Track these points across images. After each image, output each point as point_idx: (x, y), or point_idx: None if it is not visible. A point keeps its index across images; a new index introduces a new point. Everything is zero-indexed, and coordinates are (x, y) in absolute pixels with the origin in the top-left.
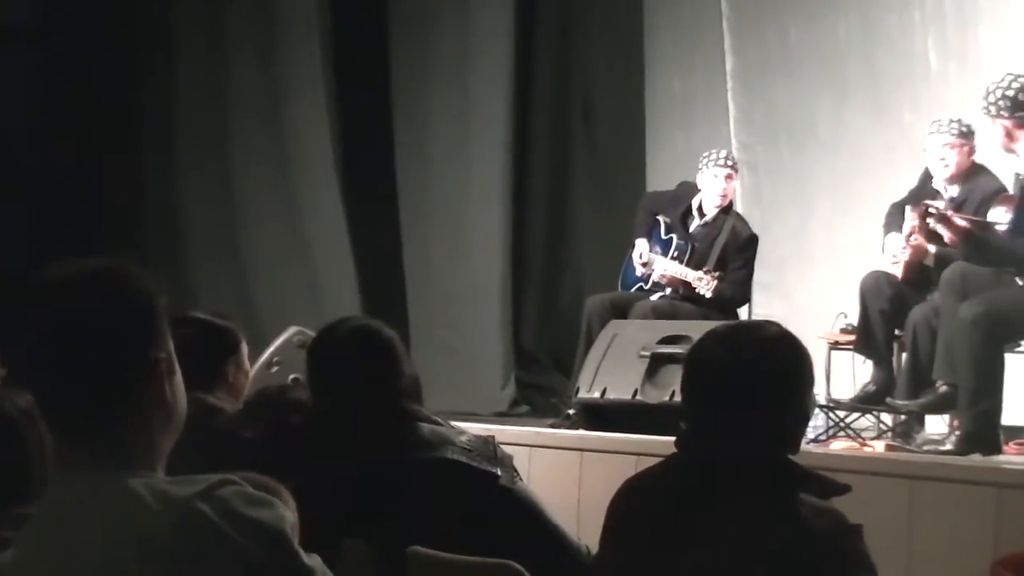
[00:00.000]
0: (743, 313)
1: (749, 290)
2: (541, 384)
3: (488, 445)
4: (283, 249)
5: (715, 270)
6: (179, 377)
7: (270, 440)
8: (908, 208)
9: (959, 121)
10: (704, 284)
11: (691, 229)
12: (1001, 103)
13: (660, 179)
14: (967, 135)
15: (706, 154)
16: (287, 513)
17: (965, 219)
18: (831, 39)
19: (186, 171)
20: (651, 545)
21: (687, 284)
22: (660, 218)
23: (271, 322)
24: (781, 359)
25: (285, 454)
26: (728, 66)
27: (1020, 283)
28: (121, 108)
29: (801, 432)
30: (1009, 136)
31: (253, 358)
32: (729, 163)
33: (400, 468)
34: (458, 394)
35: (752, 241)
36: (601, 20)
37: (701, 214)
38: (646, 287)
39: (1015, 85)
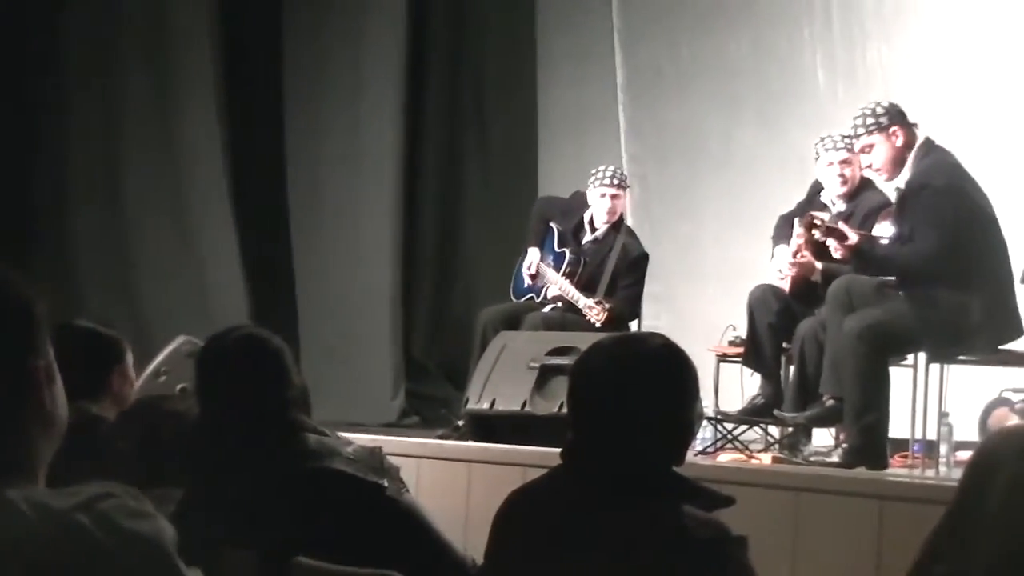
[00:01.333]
0: (632, 324)
1: (639, 307)
2: (431, 395)
3: (375, 456)
4: (172, 257)
5: (607, 293)
6: (59, 386)
7: (145, 450)
8: (796, 221)
9: (851, 136)
10: (595, 314)
11: (583, 243)
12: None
13: (552, 191)
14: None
15: (594, 171)
16: (168, 526)
17: (850, 230)
18: (722, 55)
19: (73, 177)
20: (535, 557)
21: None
22: (553, 225)
23: (159, 331)
24: (665, 371)
25: (162, 464)
26: (619, 80)
27: (902, 296)
28: (10, 109)
29: (686, 444)
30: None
31: (141, 367)
32: (615, 182)
33: (285, 479)
34: (348, 404)
35: (643, 259)
36: (494, 31)
37: (593, 228)
38: (538, 300)
39: (856, 120)
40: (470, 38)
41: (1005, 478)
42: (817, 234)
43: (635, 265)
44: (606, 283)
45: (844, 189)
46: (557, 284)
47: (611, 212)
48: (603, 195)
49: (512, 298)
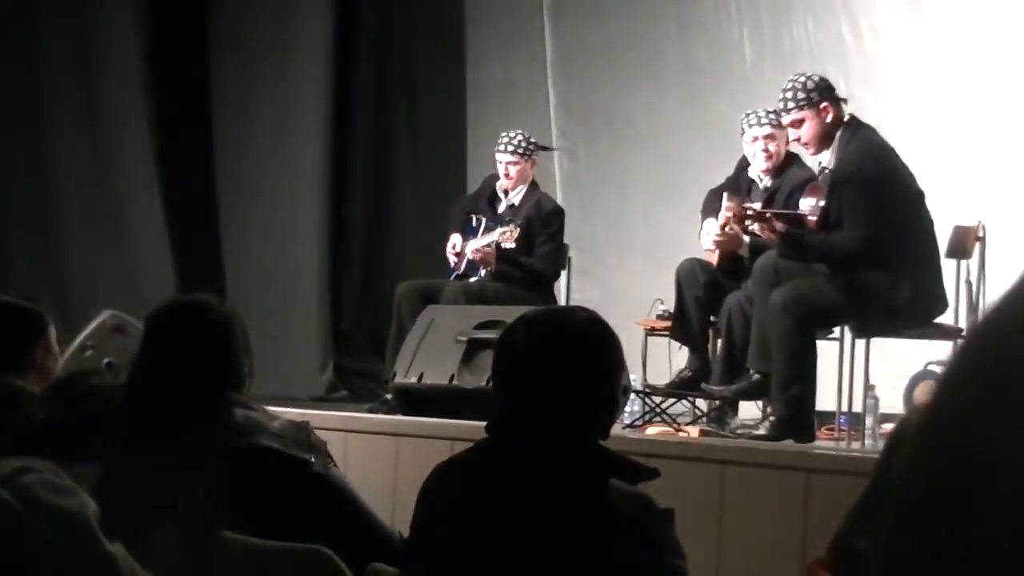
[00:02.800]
0: (560, 299)
1: (560, 263)
2: (360, 369)
3: (302, 431)
4: (98, 232)
5: (526, 246)
6: None
7: (70, 425)
8: (725, 195)
9: (776, 112)
10: (507, 236)
11: (499, 211)
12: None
13: (481, 166)
14: (782, 125)
15: (497, 140)
16: (89, 501)
17: (781, 215)
18: (649, 30)
19: None
20: (460, 530)
21: (498, 251)
22: (473, 216)
23: (85, 306)
24: (590, 345)
25: (87, 439)
26: (548, 55)
27: (829, 274)
28: None
29: (611, 418)
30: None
31: (67, 343)
32: (509, 148)
33: (211, 454)
34: (276, 378)
35: (556, 214)
36: (423, 7)
37: (507, 194)
38: (459, 272)
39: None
40: (399, 15)
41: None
42: (749, 223)
43: (549, 220)
44: (518, 227)
45: (768, 164)
46: (473, 246)
47: (508, 177)
48: (500, 162)
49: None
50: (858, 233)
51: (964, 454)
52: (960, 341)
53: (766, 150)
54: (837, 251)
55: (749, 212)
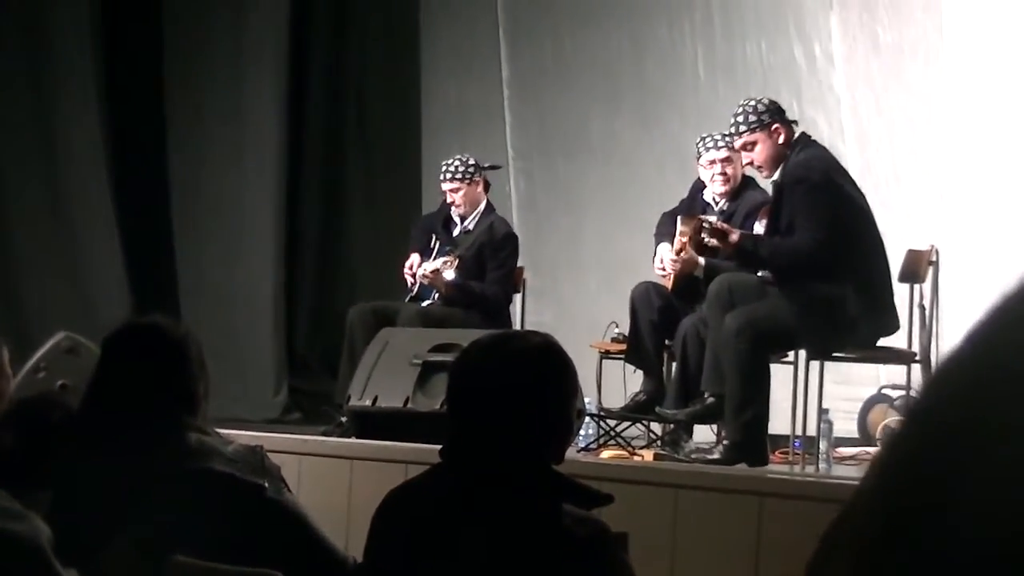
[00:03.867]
0: (515, 321)
1: (511, 288)
2: (314, 391)
3: (255, 455)
4: (50, 252)
5: (478, 270)
6: None
7: (24, 449)
8: (679, 219)
9: (732, 133)
10: (447, 266)
11: (454, 234)
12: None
13: (435, 187)
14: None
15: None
16: (42, 526)
17: (737, 232)
18: (604, 50)
19: None
20: (413, 555)
21: (443, 280)
22: (434, 236)
23: (38, 329)
24: (544, 369)
25: (42, 463)
26: (504, 75)
27: (781, 293)
28: None
29: (565, 442)
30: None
31: (20, 363)
32: (447, 176)
33: (165, 478)
34: (230, 400)
35: (508, 239)
36: (377, 26)
37: (463, 219)
38: (412, 294)
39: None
40: (353, 34)
41: None
42: (705, 236)
43: (501, 245)
44: (469, 257)
45: (725, 188)
46: (424, 269)
47: (455, 204)
48: (443, 189)
49: None
50: (808, 236)
51: (932, 484)
52: (926, 376)
53: (723, 173)
54: (792, 254)
55: (705, 224)
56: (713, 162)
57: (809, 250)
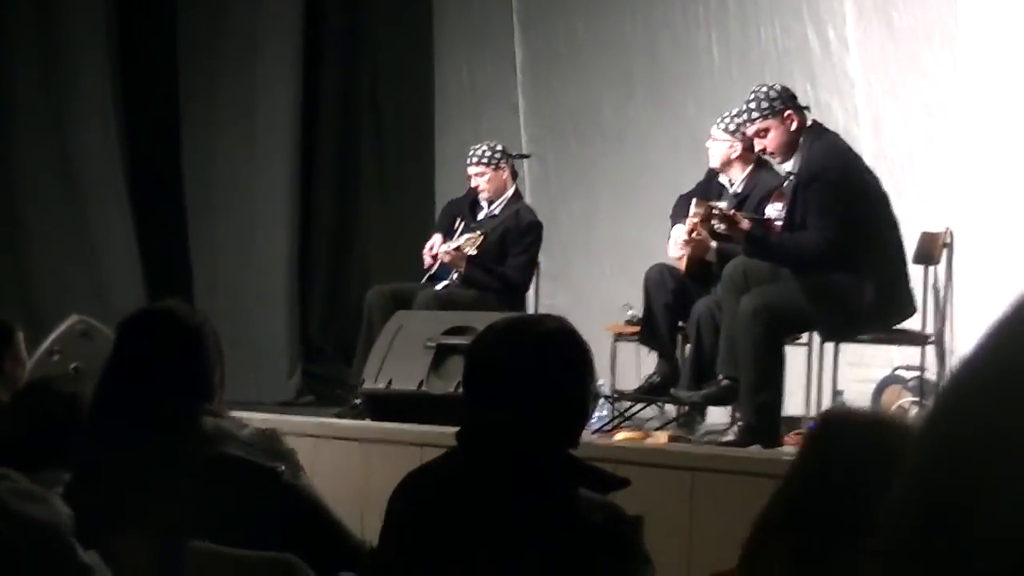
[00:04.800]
0: (529, 304)
1: (530, 276)
2: (327, 374)
3: (270, 440)
4: (65, 237)
5: (500, 255)
6: None
7: (37, 432)
8: (693, 201)
9: (746, 120)
10: (471, 242)
11: (479, 218)
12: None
13: (449, 171)
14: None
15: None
16: (64, 509)
17: (747, 217)
18: (617, 33)
19: None
20: (430, 539)
21: (466, 258)
22: (458, 219)
23: (52, 313)
24: (560, 354)
25: (54, 446)
26: (517, 59)
27: (794, 278)
28: None
29: (580, 427)
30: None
31: (33, 349)
32: (474, 160)
33: (181, 463)
34: (244, 383)
35: (533, 227)
36: (390, 12)
37: (490, 203)
38: (432, 275)
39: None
40: (366, 18)
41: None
42: (715, 222)
43: (526, 232)
44: (495, 242)
45: (778, 159)
46: (445, 248)
47: (479, 189)
48: (471, 174)
49: None
50: (822, 234)
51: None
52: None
53: (763, 149)
54: (801, 250)
55: (715, 212)
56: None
57: (818, 249)
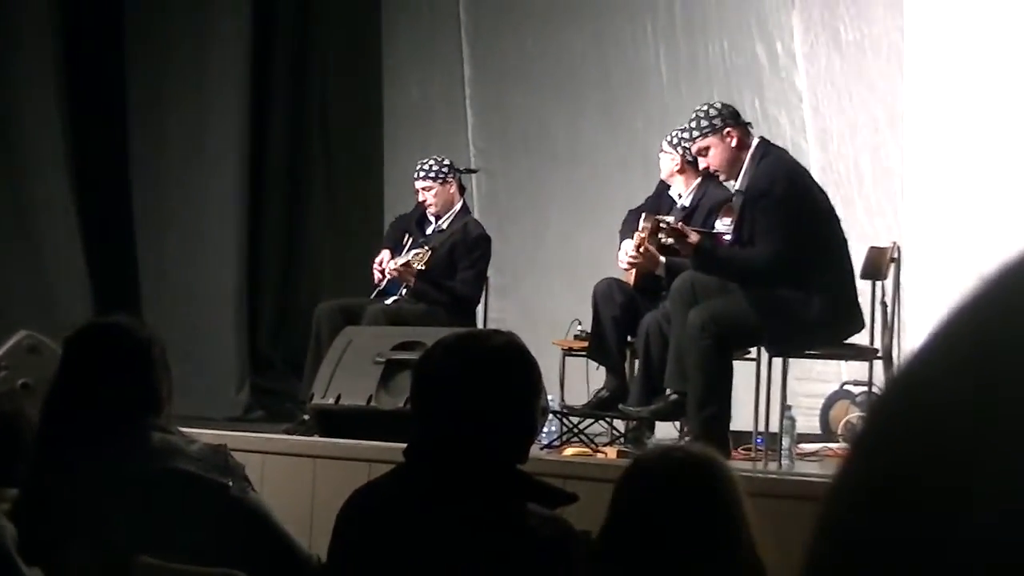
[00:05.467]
0: (478, 319)
1: (479, 289)
2: (277, 389)
3: (219, 455)
4: (11, 249)
5: (449, 269)
6: None
7: None
8: (643, 216)
9: (688, 139)
10: (419, 258)
11: (428, 233)
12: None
13: (398, 186)
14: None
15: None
16: (7, 524)
17: (696, 231)
18: (566, 50)
19: None
20: (379, 554)
21: (415, 273)
22: (407, 234)
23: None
24: (508, 369)
25: (4, 463)
26: (466, 74)
27: (743, 291)
28: None
29: (529, 442)
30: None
31: None
32: (420, 174)
33: (129, 478)
34: (193, 398)
35: (481, 241)
36: (339, 29)
37: (438, 218)
38: (380, 289)
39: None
40: (315, 33)
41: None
42: (662, 236)
43: (474, 246)
44: (443, 255)
45: (723, 176)
46: (392, 264)
47: (426, 204)
48: (416, 188)
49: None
50: (770, 249)
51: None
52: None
53: (707, 167)
54: (749, 266)
55: (663, 225)
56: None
57: (766, 264)
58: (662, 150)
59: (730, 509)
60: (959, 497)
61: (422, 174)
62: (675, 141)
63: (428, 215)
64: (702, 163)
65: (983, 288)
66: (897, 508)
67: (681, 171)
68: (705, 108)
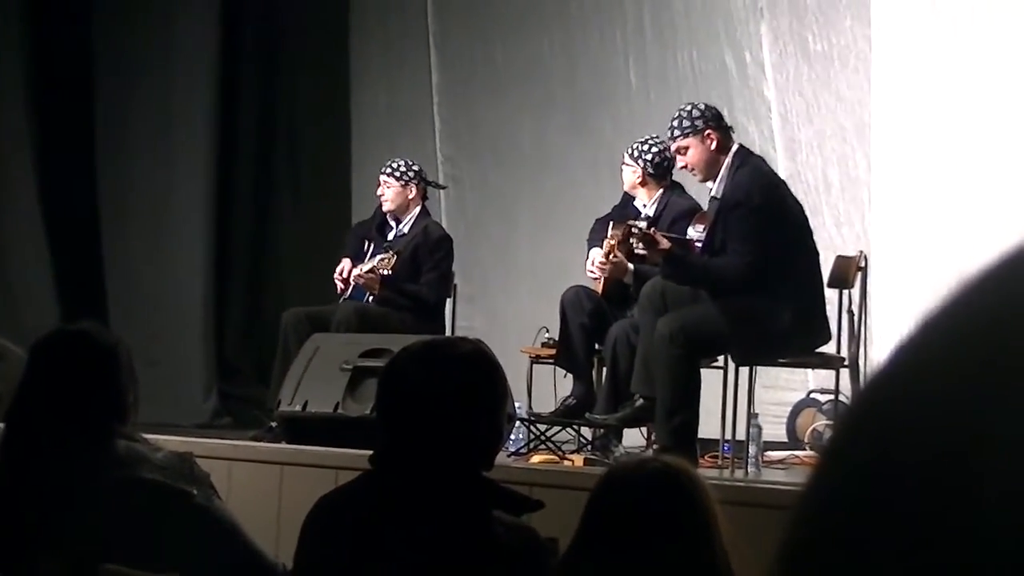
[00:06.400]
0: (446, 327)
1: (444, 291)
2: (244, 396)
3: (184, 463)
4: None
5: (413, 272)
6: None
7: None
8: (611, 224)
9: (668, 138)
10: (384, 263)
11: (389, 238)
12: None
13: (366, 193)
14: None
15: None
16: None
17: (667, 238)
18: (535, 57)
19: None
20: (344, 562)
21: (381, 278)
22: (366, 241)
23: None
24: (474, 377)
25: None
26: (434, 81)
27: (712, 300)
28: None
29: (495, 449)
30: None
31: None
32: (386, 172)
33: (94, 486)
34: (160, 405)
35: (443, 242)
36: (307, 33)
37: (398, 222)
38: (345, 298)
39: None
40: (283, 41)
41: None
42: (634, 241)
43: (436, 247)
44: (407, 258)
45: (698, 176)
46: (357, 270)
47: (382, 198)
48: (379, 181)
49: None
50: (741, 259)
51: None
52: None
53: (685, 166)
54: (719, 274)
55: (634, 231)
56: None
57: (737, 273)
58: (623, 163)
59: (705, 519)
60: (964, 490)
61: (388, 171)
62: (635, 154)
63: (388, 220)
64: (680, 162)
65: (982, 277)
66: (897, 501)
67: (643, 183)
68: (688, 108)
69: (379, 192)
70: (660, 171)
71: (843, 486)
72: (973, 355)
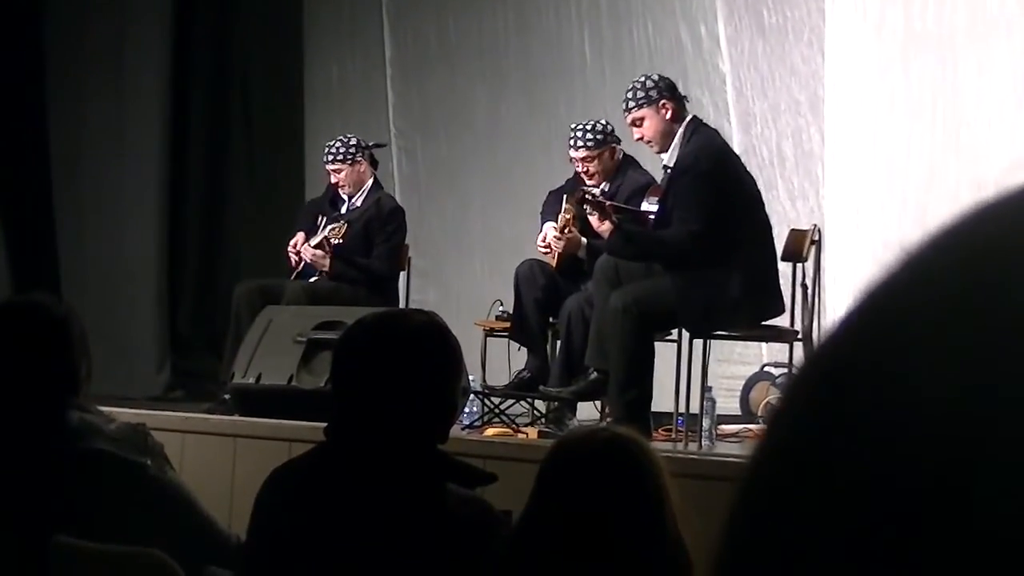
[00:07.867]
0: (400, 300)
1: (397, 263)
2: (197, 369)
3: (138, 434)
4: None
5: (366, 245)
6: None
7: None
8: (565, 197)
9: (593, 128)
10: (335, 232)
11: (342, 212)
12: (638, 96)
13: (318, 167)
14: (604, 141)
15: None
16: None
17: (619, 208)
18: (489, 31)
19: None
20: (297, 534)
21: (330, 256)
22: (320, 215)
23: None
24: (428, 349)
25: None
26: (387, 54)
27: (667, 272)
28: None
29: (449, 422)
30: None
31: None
32: (332, 157)
33: (47, 457)
34: (112, 378)
35: (395, 214)
36: (260, 9)
37: (351, 197)
38: (297, 271)
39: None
40: (236, 15)
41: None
42: (587, 208)
43: (388, 219)
44: (358, 231)
45: (594, 181)
46: (310, 244)
47: (340, 185)
48: (328, 171)
49: None
50: (686, 228)
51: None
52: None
53: (586, 170)
54: (665, 247)
55: (588, 197)
56: (573, 160)
57: (680, 242)
58: (569, 158)
59: (655, 490)
60: (915, 447)
61: (330, 157)
62: (575, 142)
63: (341, 194)
64: (636, 133)
65: (967, 220)
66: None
67: (587, 173)
68: (643, 79)
69: (334, 181)
70: (602, 137)
71: (792, 447)
72: (922, 317)
